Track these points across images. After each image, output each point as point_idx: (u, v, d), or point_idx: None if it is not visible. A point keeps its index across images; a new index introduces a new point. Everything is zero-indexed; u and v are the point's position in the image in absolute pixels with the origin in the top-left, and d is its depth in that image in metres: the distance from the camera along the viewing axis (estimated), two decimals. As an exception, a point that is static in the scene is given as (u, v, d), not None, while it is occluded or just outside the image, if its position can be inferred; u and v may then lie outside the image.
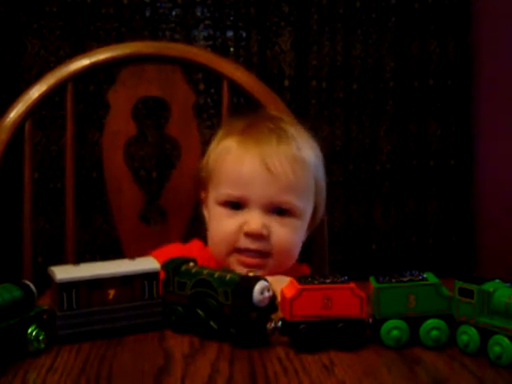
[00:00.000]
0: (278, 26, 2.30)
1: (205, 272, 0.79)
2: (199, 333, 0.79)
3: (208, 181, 1.11)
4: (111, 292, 0.79)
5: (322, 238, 1.29)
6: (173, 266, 0.81)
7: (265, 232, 1.03)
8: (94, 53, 1.29)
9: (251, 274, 0.78)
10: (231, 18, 2.29)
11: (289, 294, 0.75)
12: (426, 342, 0.75)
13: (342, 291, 0.74)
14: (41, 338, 0.74)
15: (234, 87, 1.29)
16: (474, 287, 0.72)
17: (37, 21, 2.20)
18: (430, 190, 2.42)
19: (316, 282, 0.75)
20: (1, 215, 2.16)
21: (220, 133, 1.14)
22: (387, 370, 0.69)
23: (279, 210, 1.05)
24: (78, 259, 1.12)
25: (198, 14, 2.28)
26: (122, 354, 0.74)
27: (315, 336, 0.74)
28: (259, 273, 0.84)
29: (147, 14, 2.25)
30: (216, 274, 0.78)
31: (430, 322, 0.75)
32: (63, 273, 0.77)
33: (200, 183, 1.14)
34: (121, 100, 1.29)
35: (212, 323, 0.78)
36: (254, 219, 1.03)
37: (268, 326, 0.75)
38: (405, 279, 0.76)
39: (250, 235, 1.03)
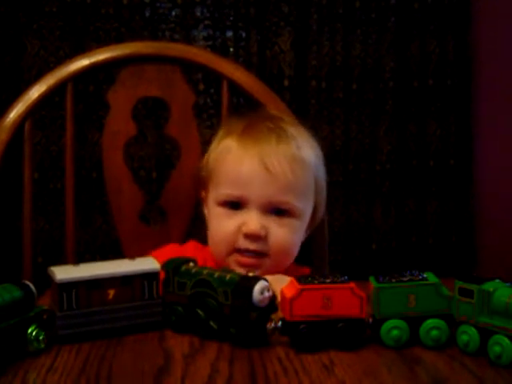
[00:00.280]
0: (277, 26, 2.29)
1: (205, 272, 0.79)
2: (199, 333, 0.79)
3: (208, 180, 1.11)
4: (111, 292, 0.79)
5: (322, 237, 1.29)
6: (173, 266, 0.81)
7: (263, 233, 1.03)
8: (94, 53, 1.29)
9: (251, 274, 0.78)
10: (231, 18, 2.29)
11: (289, 293, 0.75)
12: (426, 342, 0.75)
13: (341, 291, 0.74)
14: (41, 338, 0.74)
15: (234, 87, 1.29)
16: (474, 287, 0.72)
17: (36, 21, 2.20)
18: (429, 190, 2.42)
19: (316, 281, 0.75)
20: (1, 215, 2.16)
21: (221, 132, 1.14)
22: (387, 370, 0.69)
23: (278, 210, 1.05)
24: (78, 259, 1.12)
25: (198, 14, 2.27)
26: (121, 354, 0.74)
27: (315, 336, 0.74)
28: (256, 272, 0.84)
29: (147, 14, 2.25)
30: (216, 274, 0.78)
31: (430, 322, 0.75)
32: (63, 273, 0.77)
33: (200, 182, 1.14)
34: (120, 100, 1.30)
35: (212, 323, 0.78)
36: (252, 220, 1.03)
37: (268, 325, 0.75)
38: (405, 279, 0.76)
39: (249, 236, 1.03)
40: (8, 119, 1.22)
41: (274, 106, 1.27)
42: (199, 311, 0.79)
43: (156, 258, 0.85)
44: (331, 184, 2.43)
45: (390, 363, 0.71)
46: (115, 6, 2.22)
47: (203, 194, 1.14)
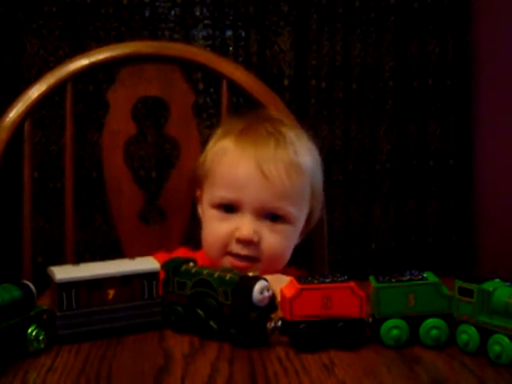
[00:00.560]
0: (277, 25, 2.30)
1: (204, 272, 0.79)
2: (199, 333, 0.79)
3: (204, 180, 1.10)
4: (111, 292, 0.79)
5: (322, 237, 1.29)
6: (173, 266, 0.81)
7: (255, 238, 1.03)
8: (94, 53, 1.29)
9: (251, 274, 0.78)
10: (230, 18, 2.29)
11: (289, 293, 0.75)
12: (426, 342, 0.75)
13: (341, 291, 0.74)
14: (41, 338, 0.74)
15: (234, 87, 1.29)
16: (473, 286, 0.72)
17: (36, 21, 2.20)
18: (429, 190, 2.42)
19: (316, 281, 0.75)
20: (1, 215, 2.16)
21: (219, 131, 1.13)
22: (387, 370, 0.69)
23: (272, 216, 1.04)
24: (78, 259, 1.12)
25: (198, 13, 2.28)
26: (121, 353, 0.74)
27: (315, 336, 0.74)
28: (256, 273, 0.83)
29: (146, 13, 2.25)
30: (216, 274, 0.78)
31: (430, 322, 0.75)
32: (63, 273, 0.77)
33: (196, 181, 1.14)
34: (120, 100, 1.29)
35: (212, 323, 0.78)
36: (245, 225, 1.03)
37: (268, 325, 0.75)
38: (404, 278, 0.76)
39: (241, 241, 1.03)
40: (8, 119, 1.22)
41: (273, 105, 1.27)
42: (199, 311, 0.78)
43: None
44: (331, 184, 2.44)
45: (390, 363, 0.71)
46: (115, 6, 2.23)
47: (198, 192, 1.14)
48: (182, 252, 1.17)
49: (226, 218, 1.05)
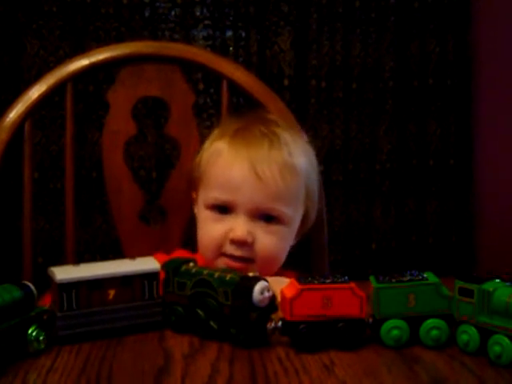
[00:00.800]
0: (277, 25, 2.30)
1: (205, 272, 0.79)
2: (199, 333, 0.79)
3: (199, 181, 1.10)
4: (111, 292, 0.79)
5: (322, 237, 1.29)
6: (173, 267, 0.81)
7: (249, 239, 1.03)
8: (94, 53, 1.29)
9: (251, 274, 0.78)
10: (230, 18, 2.29)
11: (289, 293, 0.75)
12: (426, 342, 0.75)
13: (341, 291, 0.74)
14: (41, 338, 0.74)
15: (234, 87, 1.29)
16: (474, 287, 0.72)
17: (36, 21, 2.20)
18: (429, 190, 2.42)
19: (316, 281, 0.75)
20: (1, 215, 2.16)
21: (215, 132, 1.13)
22: (387, 370, 0.69)
23: (266, 217, 1.04)
24: (78, 259, 1.12)
25: (198, 13, 2.28)
26: (122, 354, 0.74)
27: (315, 336, 0.74)
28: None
29: (147, 13, 2.25)
30: (216, 274, 0.78)
31: (430, 322, 0.75)
32: (63, 273, 0.77)
33: (192, 182, 1.14)
34: (120, 100, 1.30)
35: (212, 323, 0.78)
36: (239, 226, 1.03)
37: (268, 325, 0.75)
38: (405, 279, 0.76)
39: (235, 242, 1.03)
40: (8, 119, 1.22)
41: (273, 105, 1.27)
42: (199, 311, 0.79)
43: None
44: (331, 183, 2.44)
45: (390, 363, 0.71)
46: (115, 6, 2.23)
47: (194, 194, 1.14)
48: (180, 254, 1.16)
49: (221, 219, 1.05)
